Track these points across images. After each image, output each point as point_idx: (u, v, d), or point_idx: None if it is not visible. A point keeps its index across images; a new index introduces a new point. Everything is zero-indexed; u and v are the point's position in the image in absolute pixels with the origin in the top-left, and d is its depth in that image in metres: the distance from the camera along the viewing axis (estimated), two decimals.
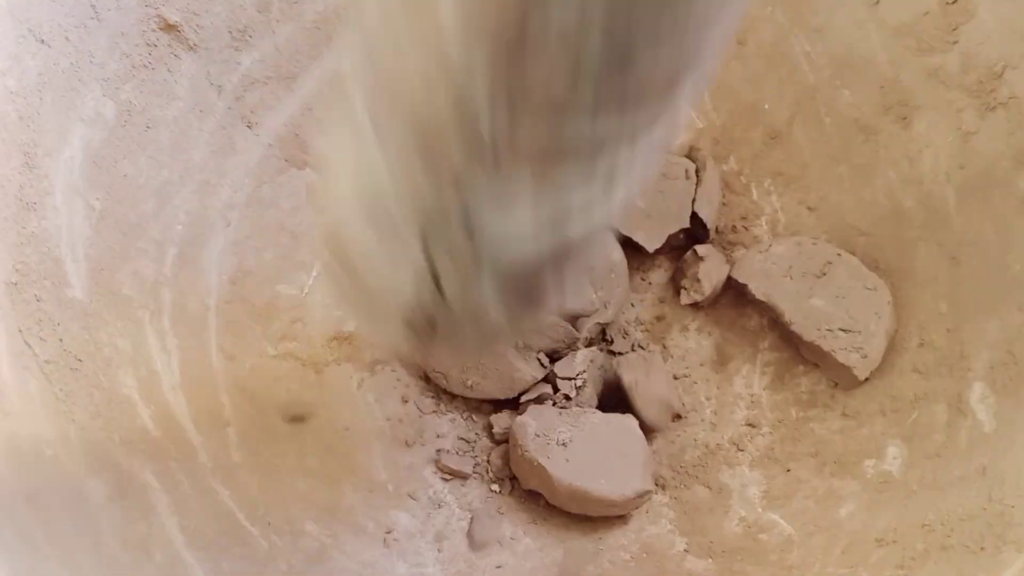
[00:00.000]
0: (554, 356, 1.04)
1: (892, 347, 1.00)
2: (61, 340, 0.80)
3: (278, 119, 1.04)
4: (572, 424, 0.98)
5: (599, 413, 1.01)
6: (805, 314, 1.02)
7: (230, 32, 0.98)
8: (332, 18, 1.06)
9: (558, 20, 0.41)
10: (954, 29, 0.95)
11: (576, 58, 0.43)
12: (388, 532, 0.95)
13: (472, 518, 0.98)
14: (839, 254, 1.05)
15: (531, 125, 0.47)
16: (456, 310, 0.62)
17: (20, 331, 0.76)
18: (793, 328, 1.02)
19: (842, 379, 1.02)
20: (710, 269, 1.07)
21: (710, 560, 0.96)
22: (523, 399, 1.02)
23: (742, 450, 1.03)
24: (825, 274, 1.03)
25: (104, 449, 0.80)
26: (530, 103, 0.46)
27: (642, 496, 0.97)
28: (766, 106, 1.12)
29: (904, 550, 0.83)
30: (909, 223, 1.00)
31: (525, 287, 0.62)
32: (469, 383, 1.00)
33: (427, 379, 1.04)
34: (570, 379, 1.02)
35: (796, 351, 1.06)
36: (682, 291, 1.09)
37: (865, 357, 0.99)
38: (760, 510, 0.98)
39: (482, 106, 0.46)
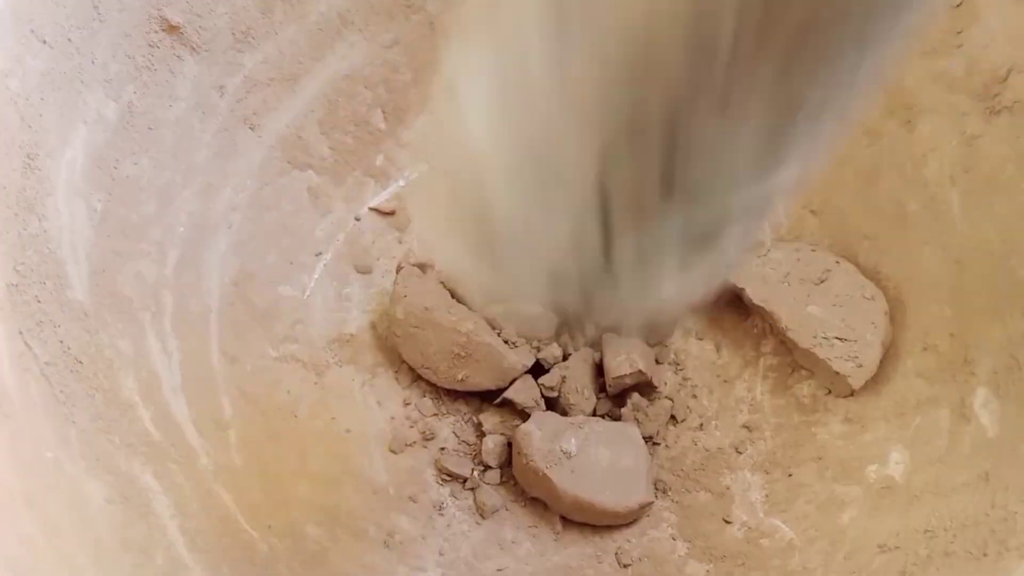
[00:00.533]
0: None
1: (892, 354, 1.00)
2: (62, 342, 0.80)
3: (280, 121, 1.04)
4: (575, 433, 0.98)
5: (601, 421, 1.01)
6: (801, 321, 1.02)
7: (233, 33, 0.97)
8: (335, 20, 1.06)
9: None
10: (959, 32, 0.95)
11: None
12: (389, 535, 0.94)
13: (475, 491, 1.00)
14: (837, 262, 1.05)
15: (771, 57, 0.43)
16: (622, 265, 0.57)
17: (20, 332, 0.76)
18: (789, 334, 1.02)
19: (836, 387, 1.01)
20: None
21: (711, 565, 0.95)
22: (509, 393, 1.02)
23: (743, 454, 1.03)
24: (824, 281, 1.03)
25: (104, 451, 0.80)
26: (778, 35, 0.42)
27: (644, 507, 0.98)
28: None
29: (907, 556, 0.83)
30: (913, 227, 1.00)
31: (707, 237, 0.55)
32: (460, 376, 1.00)
33: (420, 377, 1.04)
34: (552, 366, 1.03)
35: (794, 357, 1.05)
36: None
37: (860, 367, 0.99)
38: (762, 515, 0.98)
39: (727, 29, 0.41)
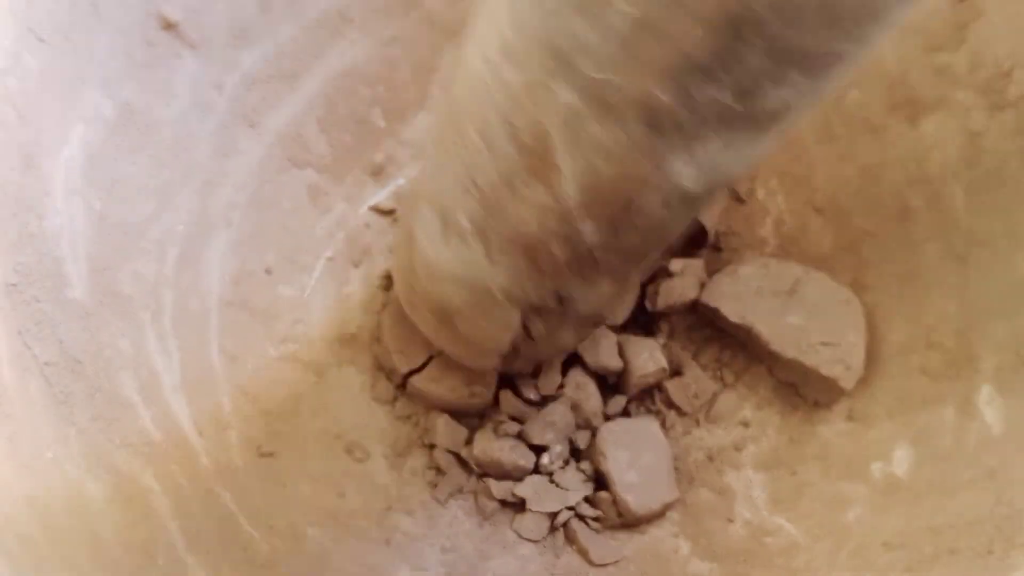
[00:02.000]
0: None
1: (895, 351, 0.99)
2: (61, 341, 0.80)
3: (280, 118, 1.03)
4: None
5: (619, 421, 1.01)
6: (782, 332, 1.02)
7: (231, 31, 0.97)
8: (334, 17, 1.05)
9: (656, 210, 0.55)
10: (963, 28, 0.94)
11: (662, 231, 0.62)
12: (390, 535, 0.94)
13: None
14: (805, 271, 1.05)
15: (622, 253, 0.63)
16: (540, 344, 0.84)
17: (20, 332, 0.76)
18: (772, 348, 1.02)
19: (824, 394, 1.01)
20: (675, 286, 1.06)
21: (715, 563, 0.95)
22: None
23: (746, 452, 1.03)
24: (795, 291, 1.03)
25: (105, 451, 0.79)
26: (628, 241, 0.62)
27: (668, 506, 0.98)
28: None
29: (912, 554, 0.83)
30: (917, 223, 1.00)
31: (589, 323, 0.83)
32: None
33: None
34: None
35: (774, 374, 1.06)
36: (646, 300, 1.08)
37: (848, 368, 0.99)
38: (766, 513, 0.98)
39: (593, 241, 0.60)
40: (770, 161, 1.11)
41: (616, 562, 0.96)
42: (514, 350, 0.85)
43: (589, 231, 0.59)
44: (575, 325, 0.82)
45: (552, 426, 0.99)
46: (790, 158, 1.10)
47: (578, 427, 1.02)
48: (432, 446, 1.00)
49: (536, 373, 1.01)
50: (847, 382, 0.99)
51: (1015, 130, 0.91)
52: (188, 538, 0.81)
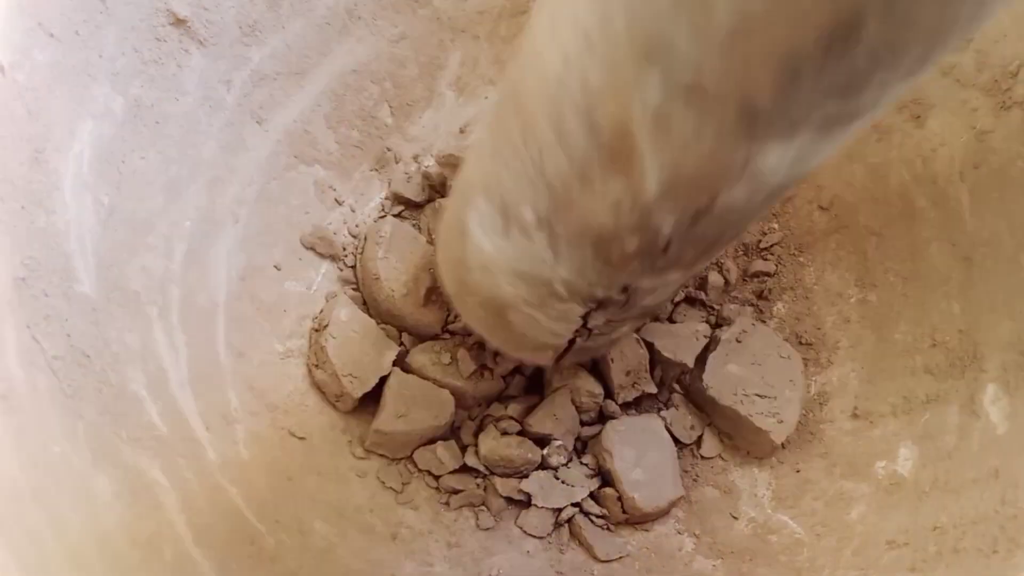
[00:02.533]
0: None
1: (899, 351, 1.00)
2: (69, 336, 0.80)
3: (288, 115, 1.03)
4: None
5: (624, 419, 1.01)
6: (722, 379, 1.03)
7: (240, 27, 0.97)
8: (342, 14, 1.05)
9: (740, 203, 0.54)
10: None
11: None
12: (396, 530, 0.94)
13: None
14: (753, 324, 1.06)
15: (695, 243, 0.62)
16: (596, 339, 0.82)
17: (28, 326, 0.76)
18: (709, 392, 1.02)
19: (755, 446, 1.02)
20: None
21: (719, 560, 0.95)
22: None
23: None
24: (739, 342, 1.04)
25: (112, 446, 0.79)
26: (706, 232, 0.60)
27: (673, 503, 0.98)
28: None
29: (915, 553, 0.83)
30: (922, 223, 1.00)
31: (648, 315, 0.83)
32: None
33: None
34: None
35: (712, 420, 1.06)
36: None
37: (781, 422, 1.00)
38: (769, 511, 0.98)
39: (670, 233, 0.59)
40: None
41: (621, 558, 0.96)
42: (570, 344, 0.83)
43: (667, 224, 0.58)
44: (635, 318, 0.81)
45: (554, 417, 1.00)
46: None
47: (582, 423, 1.02)
48: (429, 472, 1.01)
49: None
50: (778, 436, 1.00)
51: (1021, 130, 0.91)
52: (195, 532, 0.81)
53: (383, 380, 0.99)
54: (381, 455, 0.99)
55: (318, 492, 0.93)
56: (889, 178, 1.03)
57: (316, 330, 1.01)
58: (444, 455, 0.99)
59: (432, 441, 1.01)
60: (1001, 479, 0.82)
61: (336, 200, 1.08)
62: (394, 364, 1.00)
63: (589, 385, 1.02)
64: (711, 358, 1.04)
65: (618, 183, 0.56)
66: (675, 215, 0.57)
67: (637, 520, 0.98)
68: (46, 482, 0.72)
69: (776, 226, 1.12)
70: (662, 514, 0.99)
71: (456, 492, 0.99)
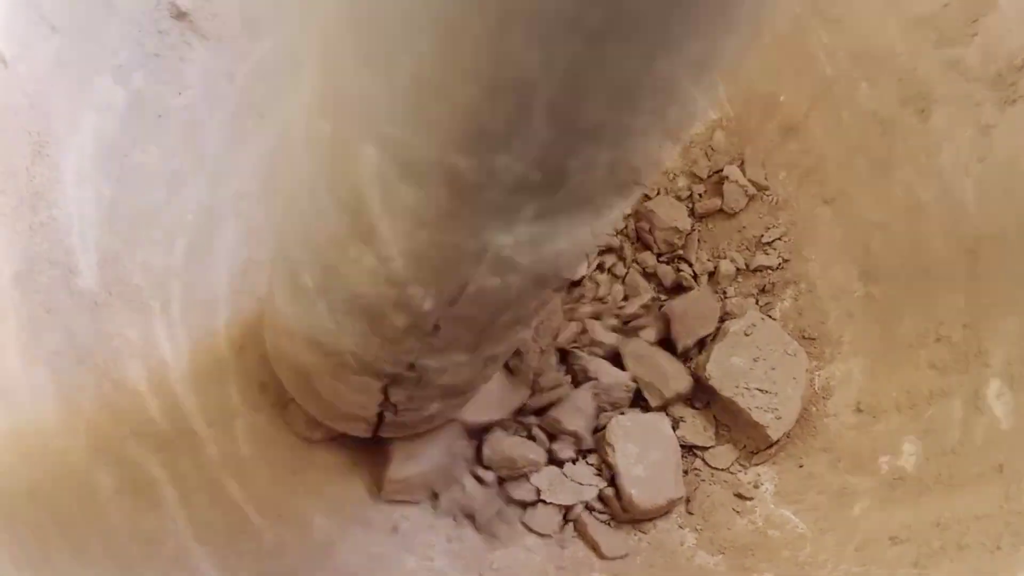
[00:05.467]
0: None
1: (903, 345, 0.99)
2: (70, 330, 0.80)
3: (290, 109, 1.03)
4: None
5: (630, 415, 1.01)
6: (725, 370, 1.02)
7: (243, 21, 0.97)
8: None
9: (488, 282, 0.54)
10: (974, 21, 0.94)
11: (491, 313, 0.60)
12: (397, 525, 0.94)
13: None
14: (763, 319, 1.06)
15: (465, 324, 0.62)
16: (405, 415, 0.82)
17: (29, 320, 0.76)
18: (711, 382, 1.02)
19: (752, 439, 1.02)
20: None
21: (721, 556, 0.95)
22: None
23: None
24: (747, 335, 1.04)
25: (112, 441, 0.79)
26: (467, 312, 0.59)
27: (673, 503, 0.98)
28: (782, 98, 1.11)
29: (919, 548, 0.83)
30: (927, 217, 0.99)
31: (456, 394, 0.82)
32: None
33: None
34: None
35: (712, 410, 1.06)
36: None
37: (779, 419, 1.00)
38: (772, 506, 0.98)
39: (429, 309, 0.59)
40: (780, 154, 1.11)
41: (625, 556, 0.96)
42: (380, 419, 0.83)
43: (421, 299, 0.57)
44: (439, 396, 0.79)
45: (580, 412, 1.00)
46: (799, 150, 1.10)
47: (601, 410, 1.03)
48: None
49: None
50: (774, 432, 1.00)
51: None
52: (195, 527, 0.81)
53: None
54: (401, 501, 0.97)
55: (318, 487, 0.93)
56: (893, 172, 1.02)
57: None
58: None
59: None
60: (1005, 474, 0.81)
61: None
62: None
63: (622, 379, 1.02)
64: (716, 348, 1.03)
65: (366, 251, 0.55)
66: (426, 289, 0.57)
67: (637, 518, 0.98)
68: (47, 477, 0.72)
69: (779, 220, 1.11)
70: (661, 513, 0.98)
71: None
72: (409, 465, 0.95)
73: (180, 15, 0.91)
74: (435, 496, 0.97)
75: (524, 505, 0.98)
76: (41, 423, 0.74)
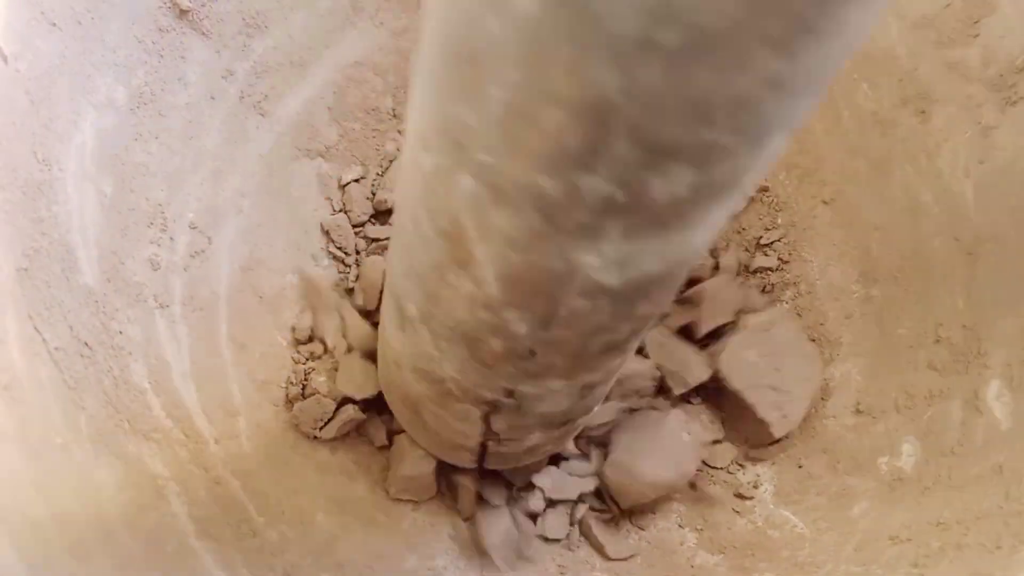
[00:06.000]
0: None
1: (902, 346, 1.00)
2: (71, 327, 0.79)
3: (290, 107, 1.03)
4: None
5: (642, 413, 1.01)
6: (737, 363, 1.03)
7: (243, 18, 0.97)
8: (345, 5, 1.05)
9: (579, 305, 0.55)
10: (975, 22, 0.94)
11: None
12: (398, 523, 0.94)
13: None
14: (784, 317, 1.06)
15: (558, 348, 0.63)
16: (507, 445, 0.83)
17: (30, 317, 0.76)
18: (721, 374, 1.02)
19: (754, 435, 1.02)
20: None
21: (721, 556, 0.95)
22: None
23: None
24: (766, 331, 1.04)
25: (114, 437, 0.79)
26: (561, 336, 0.61)
27: (662, 489, 0.98)
28: None
29: (919, 548, 0.83)
30: (926, 218, 0.99)
31: (556, 425, 0.82)
32: None
33: None
34: None
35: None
36: None
37: (784, 417, 1.00)
38: (772, 506, 0.98)
39: (525, 334, 0.60)
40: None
41: (630, 557, 0.96)
42: (483, 448, 0.85)
43: (516, 323, 0.59)
44: (540, 426, 0.81)
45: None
46: (799, 151, 1.10)
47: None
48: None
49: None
50: (778, 430, 1.00)
51: None
52: (197, 524, 0.81)
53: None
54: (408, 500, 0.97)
55: (320, 485, 0.93)
56: (893, 173, 1.02)
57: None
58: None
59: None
60: (1005, 475, 0.82)
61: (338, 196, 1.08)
62: None
63: (644, 369, 1.02)
64: (733, 341, 1.04)
65: (464, 277, 0.57)
66: (521, 313, 0.58)
67: (630, 507, 0.98)
68: (48, 473, 0.72)
69: (779, 221, 1.11)
70: (647, 499, 0.98)
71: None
72: (418, 464, 0.95)
73: (181, 13, 0.91)
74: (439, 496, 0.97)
75: (534, 516, 0.98)
76: (42, 420, 0.74)
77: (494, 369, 0.67)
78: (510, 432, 0.80)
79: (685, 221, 0.49)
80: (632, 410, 1.02)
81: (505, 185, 0.47)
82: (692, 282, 1.09)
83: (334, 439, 0.95)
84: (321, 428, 0.95)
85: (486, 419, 0.77)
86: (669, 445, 0.99)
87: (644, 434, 0.99)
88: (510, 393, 0.71)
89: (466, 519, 0.96)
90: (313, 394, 0.95)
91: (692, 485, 1.00)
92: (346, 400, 0.95)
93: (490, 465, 0.91)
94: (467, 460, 0.90)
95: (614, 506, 0.98)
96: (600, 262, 0.51)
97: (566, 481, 0.98)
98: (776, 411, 0.99)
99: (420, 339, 0.70)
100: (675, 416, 1.01)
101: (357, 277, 1.05)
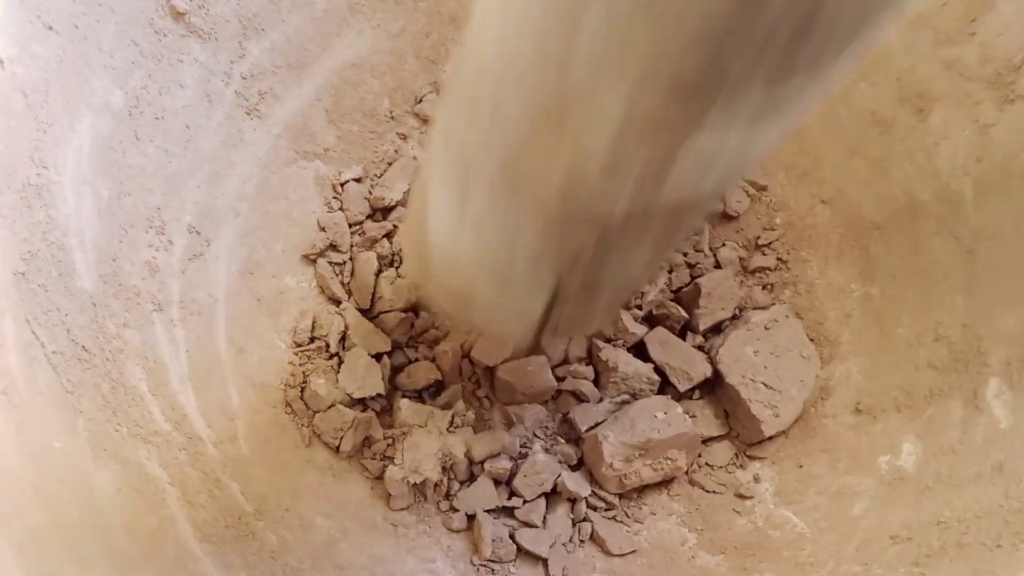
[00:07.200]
0: None
1: (902, 345, 0.99)
2: (69, 331, 0.79)
3: (287, 109, 1.03)
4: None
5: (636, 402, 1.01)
6: (736, 358, 1.03)
7: (239, 21, 0.97)
8: (342, 7, 1.05)
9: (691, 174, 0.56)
10: (972, 20, 0.94)
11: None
12: (397, 526, 0.94)
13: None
14: (787, 316, 1.06)
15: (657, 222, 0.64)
16: (569, 315, 0.80)
17: (28, 321, 0.76)
18: (719, 366, 1.02)
19: (747, 430, 1.02)
20: None
21: (722, 556, 0.95)
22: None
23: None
24: (767, 329, 1.04)
25: (112, 441, 0.79)
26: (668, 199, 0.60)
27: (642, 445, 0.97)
28: None
29: (919, 547, 0.82)
30: (925, 216, 0.99)
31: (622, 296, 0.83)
32: None
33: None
34: None
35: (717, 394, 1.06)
36: None
37: (777, 416, 1.00)
38: (772, 506, 0.98)
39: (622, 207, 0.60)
40: (778, 154, 1.11)
41: (632, 552, 0.96)
42: (545, 319, 0.82)
43: (626, 188, 0.59)
44: (608, 293, 0.80)
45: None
46: (797, 150, 1.10)
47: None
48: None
49: None
50: (769, 428, 1.00)
51: None
52: (196, 528, 0.81)
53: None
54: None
55: (319, 487, 0.93)
56: (892, 172, 1.02)
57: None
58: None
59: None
60: (1005, 473, 0.81)
61: (335, 195, 1.08)
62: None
63: (644, 370, 1.02)
64: (734, 335, 1.04)
65: (574, 141, 0.57)
66: (625, 194, 0.59)
67: (626, 492, 0.99)
68: (47, 477, 0.72)
69: (778, 221, 1.11)
70: (633, 479, 0.98)
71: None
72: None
73: (177, 15, 0.91)
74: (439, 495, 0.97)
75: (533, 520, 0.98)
76: (40, 423, 0.74)
77: (588, 231, 0.67)
78: (576, 300, 0.79)
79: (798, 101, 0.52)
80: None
81: (635, 63, 0.48)
82: (693, 277, 1.09)
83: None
84: (341, 439, 0.95)
85: (556, 289, 0.77)
86: (637, 416, 0.99)
87: (623, 415, 0.99)
88: (596, 254, 0.70)
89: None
90: (313, 396, 0.95)
91: (692, 483, 1.01)
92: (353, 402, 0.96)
93: (543, 345, 0.92)
94: (524, 338, 0.89)
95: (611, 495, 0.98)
96: (721, 137, 0.53)
97: (549, 464, 0.98)
98: (769, 409, 0.99)
99: (496, 216, 0.69)
100: (657, 399, 1.01)
101: (352, 272, 1.05)
